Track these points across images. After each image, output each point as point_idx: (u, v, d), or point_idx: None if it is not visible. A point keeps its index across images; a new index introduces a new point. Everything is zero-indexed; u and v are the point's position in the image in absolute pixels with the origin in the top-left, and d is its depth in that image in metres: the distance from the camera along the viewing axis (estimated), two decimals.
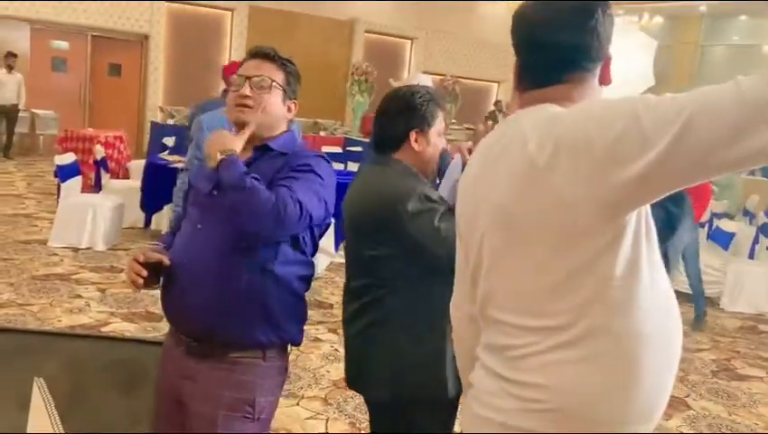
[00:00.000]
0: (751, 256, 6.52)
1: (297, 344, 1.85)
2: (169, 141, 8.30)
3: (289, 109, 1.83)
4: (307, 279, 1.83)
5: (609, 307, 1.10)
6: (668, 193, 1.05)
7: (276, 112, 1.78)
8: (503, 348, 1.19)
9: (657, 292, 1.14)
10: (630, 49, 6.17)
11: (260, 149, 1.78)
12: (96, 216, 5.94)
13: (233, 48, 11.63)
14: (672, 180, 1.02)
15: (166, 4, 11.12)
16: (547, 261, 1.12)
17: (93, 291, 4.92)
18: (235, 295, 1.69)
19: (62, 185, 6.04)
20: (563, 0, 1.21)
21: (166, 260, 1.75)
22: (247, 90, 1.74)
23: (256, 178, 1.61)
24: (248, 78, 1.74)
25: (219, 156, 1.62)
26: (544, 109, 1.17)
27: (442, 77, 12.19)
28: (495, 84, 13.53)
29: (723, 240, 6.06)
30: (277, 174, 1.70)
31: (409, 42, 13.13)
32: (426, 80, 4.55)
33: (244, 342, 1.73)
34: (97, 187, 6.87)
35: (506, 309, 1.19)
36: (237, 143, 1.67)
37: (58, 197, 6.18)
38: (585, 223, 1.07)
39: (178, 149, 8.07)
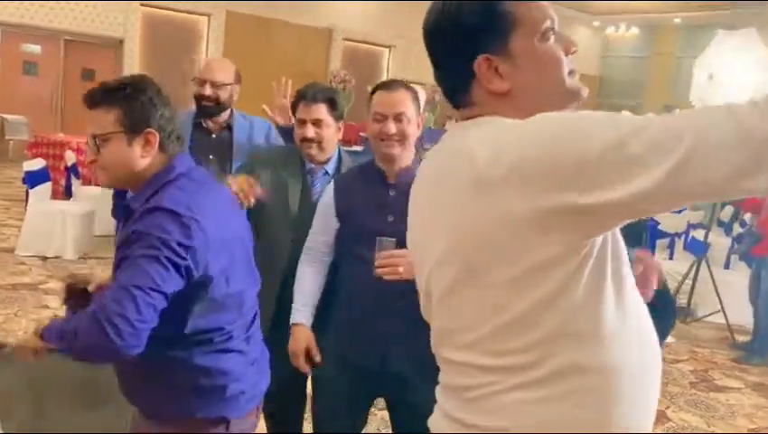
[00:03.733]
0: (726, 266, 6.55)
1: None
2: None
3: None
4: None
5: (574, 341, 0.99)
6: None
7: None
8: (460, 389, 1.09)
9: (627, 316, 1.03)
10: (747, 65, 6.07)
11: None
12: (66, 223, 5.79)
13: (209, 54, 11.51)
14: (653, 209, 0.95)
15: (141, 8, 10.97)
16: (501, 296, 1.00)
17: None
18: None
19: (31, 192, 5.88)
20: None
21: (91, 287, 1.69)
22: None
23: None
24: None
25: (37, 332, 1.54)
26: (493, 120, 1.06)
27: (421, 85, 12.17)
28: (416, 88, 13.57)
29: (698, 249, 6.07)
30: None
31: (387, 50, 13.11)
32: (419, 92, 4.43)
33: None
34: (67, 194, 6.71)
35: (461, 348, 1.08)
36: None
37: (26, 204, 6.02)
38: (541, 251, 0.95)
39: None
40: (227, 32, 11.53)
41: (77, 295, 1.69)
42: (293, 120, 2.59)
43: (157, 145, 1.58)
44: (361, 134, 9.39)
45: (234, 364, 1.64)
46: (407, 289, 1.91)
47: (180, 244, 1.46)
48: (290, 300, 2.12)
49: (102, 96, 1.57)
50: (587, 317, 0.99)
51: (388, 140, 2.06)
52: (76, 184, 6.72)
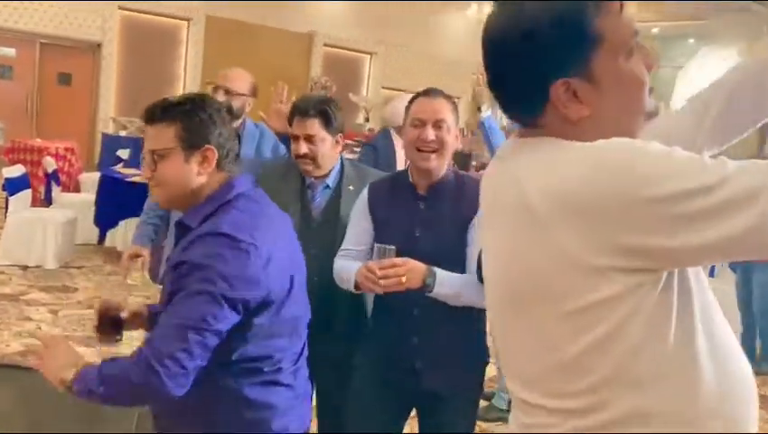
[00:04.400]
0: (711, 274, 6.61)
1: None
2: (123, 153, 8.02)
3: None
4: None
5: (634, 386, 0.91)
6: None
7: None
8: (525, 426, 1.04)
9: (699, 355, 0.92)
10: None
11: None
12: (46, 232, 5.65)
13: (189, 58, 11.37)
14: (719, 259, 0.92)
15: (120, 12, 10.80)
16: (552, 334, 0.94)
17: (44, 313, 4.65)
18: None
19: (11, 199, 5.73)
20: None
21: (125, 314, 1.65)
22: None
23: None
24: None
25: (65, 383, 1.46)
26: (555, 143, 0.96)
27: (401, 92, 12.16)
28: (455, 100, 13.56)
29: None
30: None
31: (368, 56, 13.08)
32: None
33: None
34: (47, 201, 6.56)
35: (521, 384, 1.03)
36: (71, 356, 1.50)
37: (6, 211, 5.86)
38: (595, 292, 0.88)
39: (133, 162, 7.79)
40: (206, 36, 11.40)
41: (108, 322, 1.62)
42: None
43: (215, 162, 1.53)
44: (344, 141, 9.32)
45: (280, 398, 1.58)
46: (437, 305, 1.95)
47: (236, 276, 1.41)
48: None
49: (162, 111, 1.52)
50: (649, 360, 0.90)
51: (425, 148, 2.00)
52: (56, 191, 6.57)
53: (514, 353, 1.04)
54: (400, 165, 3.95)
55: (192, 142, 1.51)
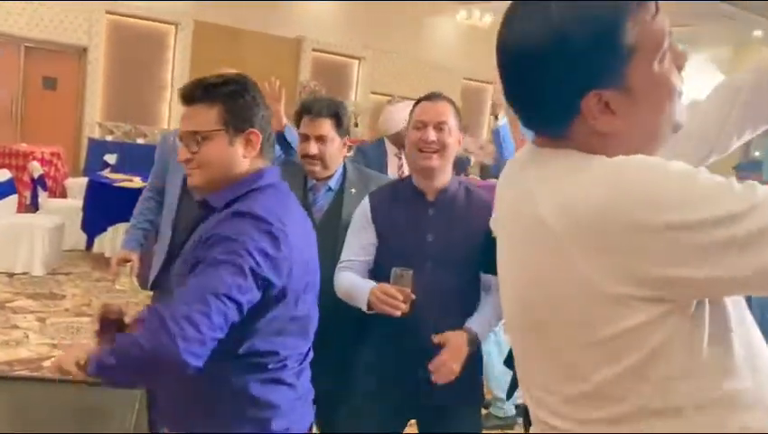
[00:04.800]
0: None
1: None
2: (110, 158, 7.95)
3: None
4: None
5: (674, 413, 0.85)
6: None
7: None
8: None
9: (741, 379, 0.86)
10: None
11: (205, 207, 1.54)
12: (33, 238, 5.56)
13: (176, 63, 11.28)
14: (739, 292, 0.87)
15: (107, 16, 10.69)
16: (575, 362, 0.89)
17: (32, 321, 4.57)
18: None
19: None
20: None
21: (128, 319, 1.60)
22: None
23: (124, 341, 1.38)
24: None
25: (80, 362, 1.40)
26: (575, 157, 0.90)
27: (389, 97, 12.12)
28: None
29: None
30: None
31: (357, 61, 13.04)
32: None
33: None
34: (33, 207, 6.46)
35: (544, 408, 0.97)
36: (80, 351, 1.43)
37: None
38: (617, 320, 0.83)
39: (121, 167, 7.71)
40: (194, 41, 11.31)
41: (110, 327, 1.57)
42: (286, 124, 2.49)
43: (259, 147, 1.50)
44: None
45: (283, 398, 1.53)
46: (446, 313, 1.97)
47: (265, 254, 1.36)
48: None
49: (203, 91, 1.48)
50: (685, 386, 0.85)
51: (426, 149, 2.01)
52: (42, 197, 6.48)
53: (534, 375, 0.99)
54: (391, 171, 3.94)
55: (237, 124, 1.48)
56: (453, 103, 2.11)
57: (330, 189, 2.34)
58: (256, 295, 1.38)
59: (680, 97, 0.93)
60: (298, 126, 2.36)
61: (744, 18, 10.62)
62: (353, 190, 2.33)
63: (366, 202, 2.14)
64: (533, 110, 0.94)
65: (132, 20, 10.91)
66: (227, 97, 1.47)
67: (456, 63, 13.16)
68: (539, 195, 0.89)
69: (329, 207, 2.32)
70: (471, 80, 13.35)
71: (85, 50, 10.67)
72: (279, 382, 1.53)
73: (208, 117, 1.47)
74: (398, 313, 1.84)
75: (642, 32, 0.86)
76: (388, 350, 2.05)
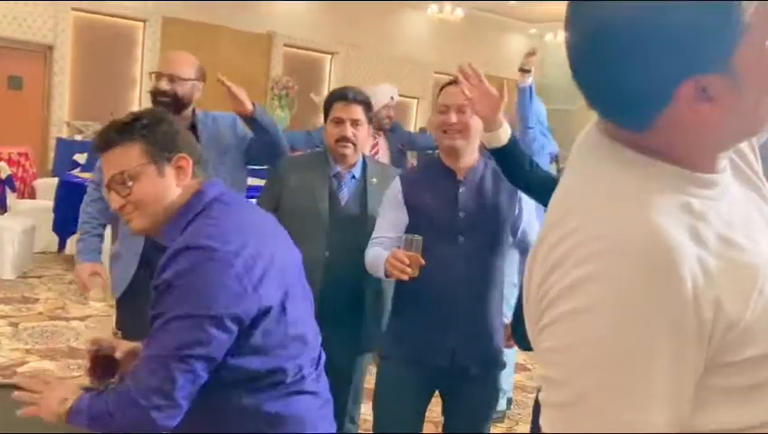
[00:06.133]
0: None
1: None
2: (80, 158, 7.78)
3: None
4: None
5: None
6: None
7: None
8: None
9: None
10: None
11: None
12: (3, 240, 5.43)
13: (145, 60, 11.08)
14: None
15: (73, 13, 10.47)
16: None
17: (3, 325, 4.45)
18: None
19: None
20: None
21: (118, 354, 1.55)
22: None
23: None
24: None
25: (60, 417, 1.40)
26: (604, 186, 0.81)
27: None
28: (415, 100, 13.55)
29: None
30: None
31: (329, 56, 12.95)
32: (390, 92, 4.39)
33: None
34: (2, 208, 6.30)
35: None
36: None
37: None
38: None
39: (91, 166, 7.55)
40: (163, 38, 11.13)
41: (102, 364, 1.51)
42: (256, 104, 2.56)
43: (190, 172, 1.45)
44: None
45: (308, 408, 1.47)
46: (479, 283, 2.15)
47: (219, 292, 1.29)
48: (326, 318, 1.94)
49: (118, 133, 1.43)
50: None
51: (450, 130, 2.16)
52: (11, 198, 6.32)
53: None
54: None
55: (162, 154, 1.43)
56: None
57: (354, 177, 2.48)
58: (225, 337, 1.32)
59: None
60: (326, 114, 2.46)
61: None
62: (375, 180, 2.48)
63: (397, 182, 2.27)
64: (615, 100, 0.80)
65: (99, 17, 10.70)
66: (144, 129, 1.43)
67: (428, 57, 13.14)
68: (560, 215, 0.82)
69: (353, 195, 2.46)
70: (442, 73, 13.33)
71: (51, 48, 10.45)
72: (303, 392, 1.48)
73: (130, 155, 1.42)
74: (406, 277, 1.94)
75: (757, 9, 0.72)
76: (419, 319, 2.18)
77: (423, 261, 1.96)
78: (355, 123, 2.42)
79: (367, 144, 2.51)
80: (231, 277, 1.31)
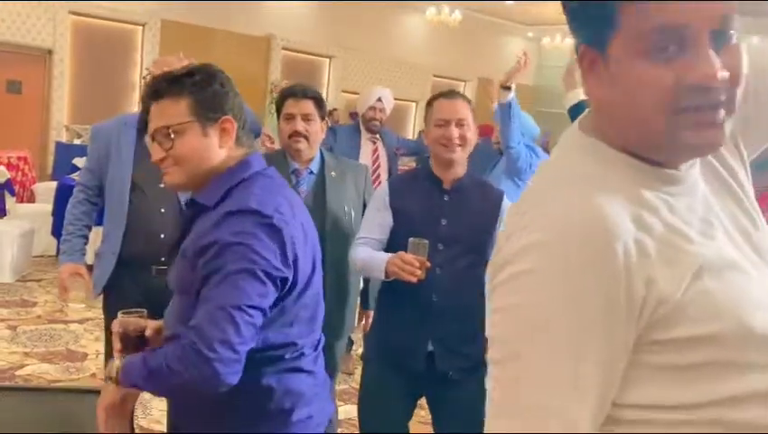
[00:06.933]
0: None
1: None
2: (79, 162, 7.78)
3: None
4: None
5: None
6: None
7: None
8: None
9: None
10: None
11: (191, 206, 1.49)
12: (2, 244, 5.44)
13: (144, 64, 11.10)
14: None
15: (71, 17, 10.50)
16: None
17: (2, 329, 4.47)
18: None
19: None
20: None
21: (148, 332, 1.54)
22: None
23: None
24: None
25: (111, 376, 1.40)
26: (557, 177, 0.90)
27: (357, 95, 12.09)
28: (413, 103, 13.57)
29: None
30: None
31: (327, 60, 12.98)
32: (378, 93, 4.41)
33: None
34: (1, 212, 6.32)
35: None
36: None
37: None
38: None
39: None
40: (162, 41, 11.15)
41: (132, 344, 1.50)
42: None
43: (235, 135, 1.45)
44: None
45: (303, 385, 1.49)
46: (455, 290, 2.17)
47: (273, 251, 1.34)
48: None
49: (169, 85, 1.43)
50: None
51: (449, 144, 2.21)
52: (10, 202, 6.34)
53: None
54: (365, 157, 4.06)
55: (208, 114, 1.43)
56: (467, 98, 2.32)
57: (311, 172, 2.52)
58: (275, 295, 1.37)
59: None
60: (278, 113, 2.52)
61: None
62: (333, 173, 2.53)
63: (385, 185, 2.36)
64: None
65: (98, 21, 10.73)
66: (194, 87, 1.44)
67: (426, 60, 13.17)
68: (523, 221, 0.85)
69: (313, 190, 2.50)
70: (440, 76, 13.37)
71: (50, 52, 10.48)
72: (298, 370, 1.50)
73: (177, 110, 1.43)
74: (415, 279, 2.01)
75: (629, 12, 0.79)
76: (397, 323, 2.23)
77: (429, 264, 2.03)
78: (306, 117, 2.45)
79: (319, 136, 2.51)
80: (279, 243, 1.36)
